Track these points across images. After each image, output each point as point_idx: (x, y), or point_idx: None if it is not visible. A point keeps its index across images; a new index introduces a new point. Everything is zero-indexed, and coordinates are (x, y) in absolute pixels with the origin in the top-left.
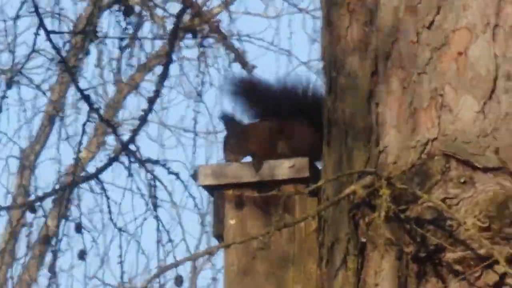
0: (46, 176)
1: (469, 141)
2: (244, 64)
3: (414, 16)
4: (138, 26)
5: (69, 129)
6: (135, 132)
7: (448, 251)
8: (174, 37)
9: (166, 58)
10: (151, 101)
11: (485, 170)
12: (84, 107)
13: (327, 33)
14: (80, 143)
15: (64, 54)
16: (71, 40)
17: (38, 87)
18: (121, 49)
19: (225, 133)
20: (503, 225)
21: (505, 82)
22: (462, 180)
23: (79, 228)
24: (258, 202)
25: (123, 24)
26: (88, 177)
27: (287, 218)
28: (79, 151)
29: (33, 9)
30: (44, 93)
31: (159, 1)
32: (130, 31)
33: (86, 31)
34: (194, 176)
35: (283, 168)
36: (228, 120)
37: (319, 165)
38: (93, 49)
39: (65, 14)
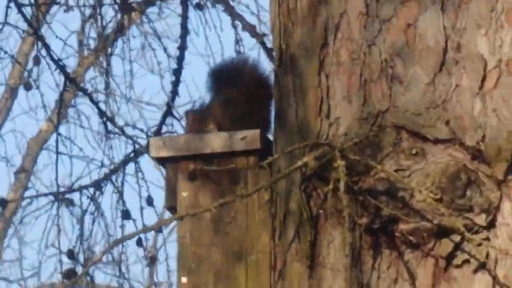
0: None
1: (420, 112)
2: (254, 33)
3: None
4: None
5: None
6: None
7: (402, 222)
8: (185, 8)
9: (182, 28)
10: (177, 72)
11: (436, 141)
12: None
13: (276, 5)
14: (59, 112)
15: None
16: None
17: (12, 57)
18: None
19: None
20: (455, 197)
21: (455, 53)
22: (413, 152)
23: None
24: (210, 174)
25: None
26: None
27: (240, 190)
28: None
29: None
30: (20, 64)
31: None
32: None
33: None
34: (147, 148)
35: (235, 139)
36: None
37: (271, 137)
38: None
39: None
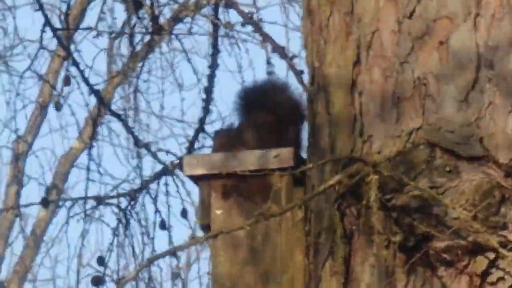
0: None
1: (453, 130)
2: (283, 54)
3: (394, 5)
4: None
5: (62, 119)
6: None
7: (436, 239)
8: (216, 31)
9: (213, 48)
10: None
11: (470, 159)
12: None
13: (308, 23)
14: (91, 143)
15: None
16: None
17: (41, 77)
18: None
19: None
20: (489, 214)
21: (487, 71)
22: (447, 169)
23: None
24: (244, 192)
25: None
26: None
27: (273, 208)
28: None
29: (38, 7)
30: (52, 86)
31: None
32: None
33: (93, 27)
34: (180, 166)
35: (269, 157)
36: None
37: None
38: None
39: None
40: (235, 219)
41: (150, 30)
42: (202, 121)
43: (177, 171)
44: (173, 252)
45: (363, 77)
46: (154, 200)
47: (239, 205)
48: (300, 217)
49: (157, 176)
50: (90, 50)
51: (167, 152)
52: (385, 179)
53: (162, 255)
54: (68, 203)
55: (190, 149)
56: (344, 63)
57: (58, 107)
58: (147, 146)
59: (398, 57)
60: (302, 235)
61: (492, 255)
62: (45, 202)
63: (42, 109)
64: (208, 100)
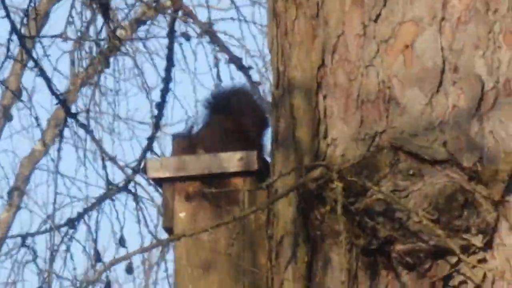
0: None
1: (417, 133)
2: (240, 65)
3: (360, 8)
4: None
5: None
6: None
7: (398, 243)
8: (171, 40)
9: (167, 61)
10: (160, 106)
11: (433, 162)
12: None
13: (274, 26)
14: (59, 154)
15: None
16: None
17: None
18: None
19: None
20: (452, 218)
21: (452, 74)
22: (410, 173)
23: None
24: (207, 195)
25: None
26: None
27: (236, 211)
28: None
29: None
30: (13, 93)
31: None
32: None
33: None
34: (144, 169)
35: (233, 160)
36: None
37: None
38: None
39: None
40: (199, 222)
41: (109, 38)
42: (150, 141)
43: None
44: (132, 255)
45: (327, 80)
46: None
47: (202, 208)
48: (263, 220)
49: (96, 204)
50: (53, 52)
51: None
52: (349, 183)
53: (123, 258)
54: None
55: (137, 169)
56: (309, 66)
57: (9, 119)
58: (114, 159)
59: (363, 60)
60: (265, 239)
61: (454, 259)
62: None
63: (4, 111)
64: (159, 116)
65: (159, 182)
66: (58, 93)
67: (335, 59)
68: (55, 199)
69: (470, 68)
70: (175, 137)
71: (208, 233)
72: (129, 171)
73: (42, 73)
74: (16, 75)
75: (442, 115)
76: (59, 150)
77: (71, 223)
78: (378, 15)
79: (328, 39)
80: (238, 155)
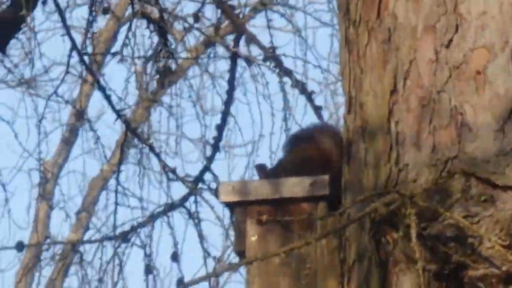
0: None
1: (489, 159)
2: (303, 90)
3: (432, 34)
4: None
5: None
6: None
7: (470, 268)
8: (233, 65)
9: (228, 84)
10: (220, 128)
11: (505, 188)
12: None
13: (346, 51)
14: (119, 168)
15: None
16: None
17: (67, 102)
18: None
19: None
20: None
21: None
22: (482, 199)
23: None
24: (279, 220)
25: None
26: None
27: (308, 236)
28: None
29: (65, 32)
30: (78, 111)
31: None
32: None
33: (117, 52)
34: (216, 192)
35: (304, 185)
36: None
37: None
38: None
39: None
40: (270, 245)
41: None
42: (207, 163)
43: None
44: (209, 277)
45: (399, 106)
46: (147, 243)
47: (274, 232)
48: (335, 244)
49: (149, 220)
50: (120, 73)
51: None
52: (421, 208)
53: (199, 280)
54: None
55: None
56: (381, 92)
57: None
58: (174, 171)
59: (435, 86)
60: (337, 263)
61: None
62: (19, 246)
63: (72, 132)
64: (219, 138)
65: (230, 206)
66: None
67: (407, 84)
68: (115, 212)
69: None
70: (259, 166)
71: (280, 257)
72: (187, 190)
73: (102, 90)
74: (85, 97)
75: None
76: (119, 165)
77: (124, 236)
78: (450, 41)
79: (400, 65)
80: (309, 179)
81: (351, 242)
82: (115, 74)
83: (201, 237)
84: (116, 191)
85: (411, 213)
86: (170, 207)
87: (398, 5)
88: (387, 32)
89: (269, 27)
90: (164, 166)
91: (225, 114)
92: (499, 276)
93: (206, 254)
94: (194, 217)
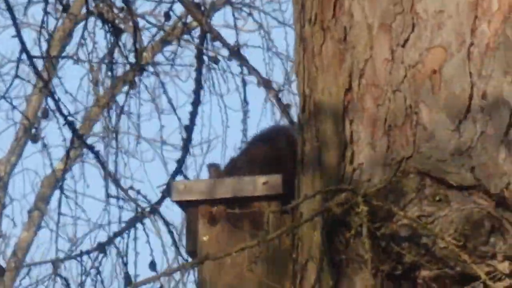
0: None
1: (444, 159)
2: (270, 88)
3: (388, 33)
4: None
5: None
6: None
7: (424, 269)
8: (200, 63)
9: (196, 84)
10: (189, 129)
11: (460, 188)
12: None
13: (301, 50)
14: (65, 170)
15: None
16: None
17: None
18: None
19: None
20: (478, 244)
21: (481, 100)
22: (437, 198)
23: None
24: (231, 219)
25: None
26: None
27: (261, 235)
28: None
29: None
30: (27, 118)
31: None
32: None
33: (71, 56)
34: (168, 192)
35: (257, 184)
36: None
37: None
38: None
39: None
40: (222, 245)
41: (131, 61)
42: (174, 174)
43: (149, 218)
44: (158, 278)
45: (354, 105)
46: (123, 253)
47: (226, 231)
48: (288, 244)
49: (126, 228)
50: (72, 75)
51: (138, 192)
52: (374, 208)
53: (148, 281)
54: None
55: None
56: (336, 91)
57: (35, 140)
58: (118, 182)
59: (390, 85)
60: (289, 263)
61: (480, 286)
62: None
63: (25, 131)
64: (188, 140)
65: (183, 205)
66: (67, 114)
67: (363, 83)
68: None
69: (499, 95)
70: (211, 166)
71: (232, 256)
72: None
73: (50, 94)
74: (38, 95)
75: (469, 141)
76: (64, 171)
77: (102, 247)
78: (406, 40)
79: (355, 63)
80: (262, 178)
81: (303, 242)
82: (70, 73)
83: (175, 242)
84: (59, 203)
85: (363, 211)
86: (144, 214)
87: (354, 4)
88: (343, 31)
89: (235, 24)
90: (108, 177)
91: (193, 114)
92: (453, 276)
93: (182, 259)
94: (168, 223)
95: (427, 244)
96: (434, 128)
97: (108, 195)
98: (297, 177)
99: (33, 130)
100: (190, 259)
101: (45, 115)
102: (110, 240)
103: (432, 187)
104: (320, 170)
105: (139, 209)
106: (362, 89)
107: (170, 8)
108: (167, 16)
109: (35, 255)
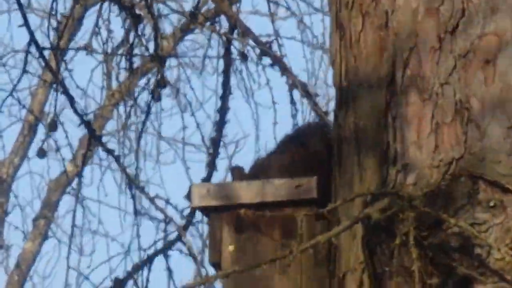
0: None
1: (499, 160)
2: (303, 90)
3: (435, 19)
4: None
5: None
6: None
7: (477, 283)
8: (228, 58)
9: (223, 89)
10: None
11: None
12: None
13: (337, 38)
14: (80, 176)
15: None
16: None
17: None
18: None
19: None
20: None
21: None
22: (491, 204)
23: None
24: (260, 225)
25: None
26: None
27: (294, 245)
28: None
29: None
30: (36, 117)
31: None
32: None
33: (84, 47)
34: (188, 197)
35: (289, 188)
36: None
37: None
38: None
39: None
40: (249, 256)
41: (150, 52)
42: (209, 175)
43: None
44: None
45: (398, 100)
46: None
47: (253, 240)
48: (323, 255)
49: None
50: (84, 66)
51: (167, 201)
52: (421, 215)
53: None
54: None
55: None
56: (377, 83)
57: (42, 155)
58: (142, 189)
59: (438, 77)
60: (326, 275)
61: None
62: None
63: (30, 129)
64: (215, 150)
65: (205, 212)
66: (82, 113)
67: (407, 75)
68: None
69: None
70: (235, 168)
71: (261, 269)
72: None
73: (64, 90)
74: (45, 88)
75: None
76: (80, 175)
77: (119, 283)
78: (456, 27)
79: (399, 53)
80: (295, 181)
81: (341, 252)
82: (81, 65)
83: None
84: (73, 215)
85: (410, 217)
86: (167, 245)
87: None
88: (384, 16)
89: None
90: (131, 183)
91: (223, 110)
92: None
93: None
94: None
95: (480, 255)
96: (487, 125)
97: (136, 212)
98: (333, 181)
99: (40, 143)
100: (213, 271)
101: (53, 127)
102: (129, 276)
103: (486, 192)
104: (360, 172)
105: (171, 228)
106: (406, 82)
107: (196, 7)
108: (192, 16)
109: (40, 267)
